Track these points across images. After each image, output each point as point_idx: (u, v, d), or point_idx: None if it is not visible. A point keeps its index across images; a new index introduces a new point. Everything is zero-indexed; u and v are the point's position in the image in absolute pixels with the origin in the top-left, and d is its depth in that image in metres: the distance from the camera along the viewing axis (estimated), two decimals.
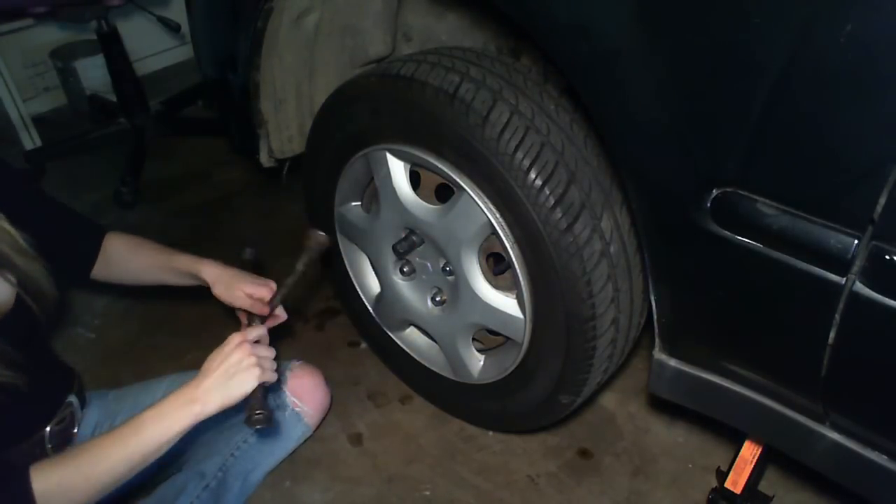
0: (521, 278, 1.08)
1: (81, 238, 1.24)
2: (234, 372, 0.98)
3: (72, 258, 1.23)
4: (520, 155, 0.99)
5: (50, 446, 1.14)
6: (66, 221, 1.24)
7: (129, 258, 1.28)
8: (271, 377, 1.03)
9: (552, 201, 0.99)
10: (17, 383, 0.98)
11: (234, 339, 1.01)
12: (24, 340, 1.04)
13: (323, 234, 1.23)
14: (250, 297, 1.19)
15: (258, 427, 0.99)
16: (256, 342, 1.03)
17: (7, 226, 1.04)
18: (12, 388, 0.98)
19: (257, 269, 1.27)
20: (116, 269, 1.27)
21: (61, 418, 1.15)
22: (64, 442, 1.17)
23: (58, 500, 0.90)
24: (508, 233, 1.06)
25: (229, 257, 1.29)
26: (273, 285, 1.21)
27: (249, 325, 1.17)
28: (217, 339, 1.01)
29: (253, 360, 0.99)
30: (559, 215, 0.99)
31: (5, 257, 1.04)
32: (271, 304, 1.19)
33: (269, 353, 1.04)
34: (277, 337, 1.20)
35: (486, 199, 1.06)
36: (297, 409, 1.34)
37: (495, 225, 1.07)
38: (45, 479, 0.89)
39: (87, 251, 1.24)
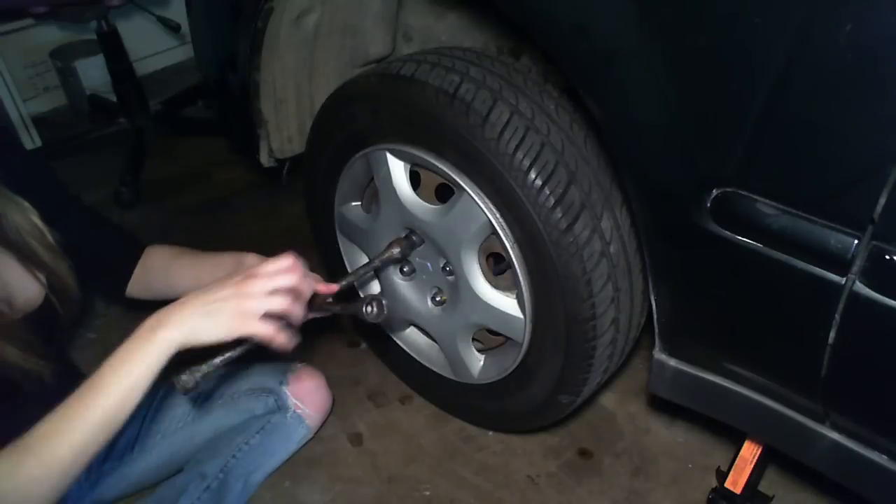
0: (521, 278, 1.08)
1: (117, 251, 1.19)
2: (217, 309, 0.82)
3: (106, 273, 1.19)
4: (520, 155, 0.99)
5: None
6: (101, 233, 1.20)
7: (169, 272, 1.20)
8: (280, 341, 0.86)
9: (552, 201, 0.99)
10: (42, 372, 0.96)
11: (248, 267, 0.85)
12: (46, 340, 1.03)
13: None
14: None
15: (179, 381, 0.88)
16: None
17: (37, 220, 1.03)
18: (37, 378, 0.96)
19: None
20: (157, 285, 1.20)
21: None
22: None
23: (15, 496, 0.76)
24: (508, 233, 1.06)
25: None
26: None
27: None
28: None
29: (256, 304, 0.83)
30: (559, 215, 0.99)
31: (34, 254, 1.03)
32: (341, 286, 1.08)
33: (298, 312, 0.88)
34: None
35: (486, 199, 1.06)
36: (298, 411, 1.34)
37: (495, 225, 1.07)
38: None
39: (122, 266, 1.19)
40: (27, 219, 1.02)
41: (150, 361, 0.80)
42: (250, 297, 0.84)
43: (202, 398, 1.33)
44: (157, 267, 1.20)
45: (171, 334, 0.81)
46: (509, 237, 1.06)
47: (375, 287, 1.44)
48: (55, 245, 1.05)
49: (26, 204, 1.02)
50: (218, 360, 0.95)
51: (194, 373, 0.91)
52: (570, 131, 1.04)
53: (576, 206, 1.00)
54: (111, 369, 0.80)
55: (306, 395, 1.35)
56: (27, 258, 1.03)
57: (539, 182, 0.99)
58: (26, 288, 1.04)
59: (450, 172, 1.09)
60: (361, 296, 0.91)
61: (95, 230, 1.20)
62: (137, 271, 1.21)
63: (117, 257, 1.20)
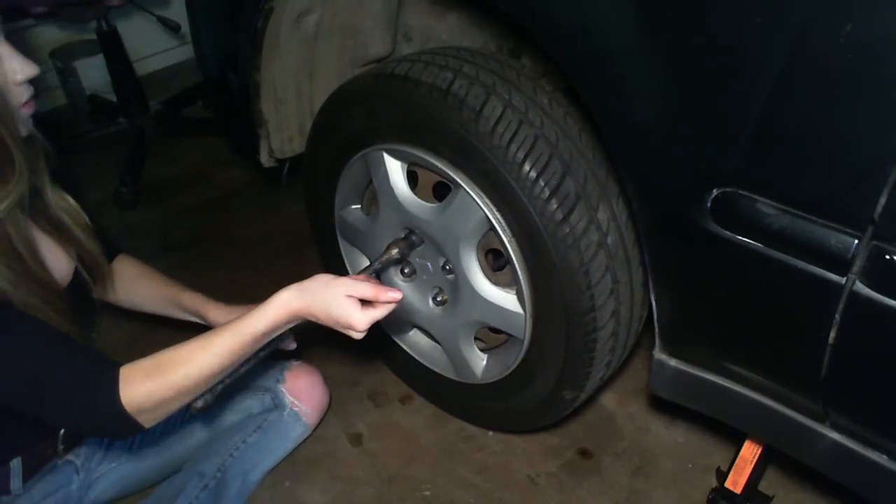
0: (519, 273, 1.08)
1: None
2: (335, 327, 0.96)
3: None
4: (514, 148, 0.99)
5: (62, 446, 1.15)
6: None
7: (135, 285, 1.29)
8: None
9: (547, 193, 0.99)
10: (77, 338, 0.99)
11: (359, 324, 0.93)
12: (77, 315, 1.05)
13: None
14: None
15: (196, 408, 0.99)
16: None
17: (72, 201, 1.10)
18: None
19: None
20: (121, 293, 1.28)
21: None
22: (74, 443, 1.18)
23: (148, 408, 0.91)
24: (505, 227, 1.07)
25: (230, 257, 1.29)
26: None
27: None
28: None
29: (365, 320, 0.93)
30: (554, 207, 0.99)
31: (69, 231, 1.09)
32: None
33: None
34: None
35: (483, 195, 1.07)
36: (295, 408, 1.34)
37: (492, 220, 1.07)
38: (135, 390, 0.90)
39: None
40: (63, 198, 1.09)
41: (276, 326, 0.94)
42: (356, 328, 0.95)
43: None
44: (124, 277, 1.28)
45: (297, 315, 0.95)
46: (506, 231, 1.07)
47: None
48: (90, 226, 1.13)
49: (59, 186, 1.09)
50: (226, 378, 0.98)
51: (212, 391, 0.97)
52: (564, 124, 1.04)
53: (571, 198, 1.00)
54: (245, 320, 0.93)
55: (303, 393, 1.35)
56: (63, 235, 1.08)
57: (534, 174, 0.99)
58: (60, 264, 1.07)
59: (446, 169, 1.09)
60: None
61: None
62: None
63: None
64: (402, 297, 0.96)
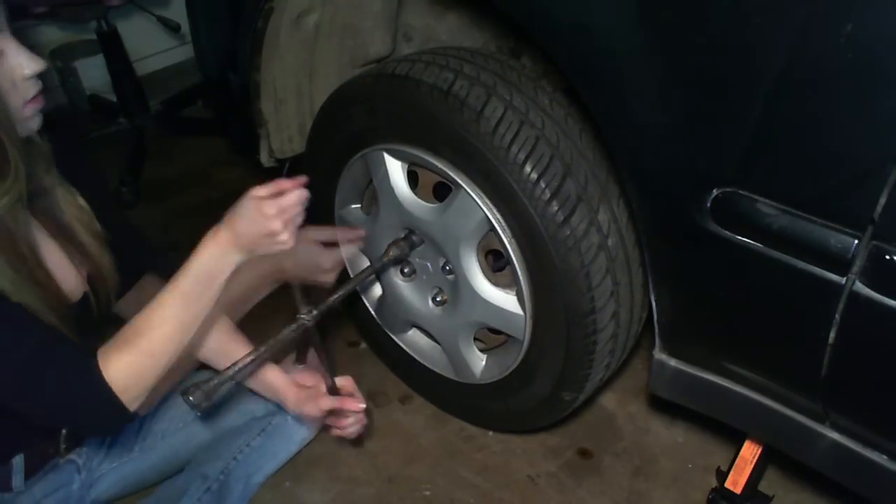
0: (519, 274, 1.08)
1: (129, 265, 1.15)
2: (265, 243, 0.96)
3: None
4: (515, 149, 0.99)
5: (64, 446, 1.15)
6: (124, 237, 1.17)
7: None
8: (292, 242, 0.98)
9: (548, 194, 0.99)
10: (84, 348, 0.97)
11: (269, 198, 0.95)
12: (79, 331, 1.02)
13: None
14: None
15: (189, 402, 0.98)
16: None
17: (84, 204, 1.06)
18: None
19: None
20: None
21: None
22: (76, 443, 1.18)
23: (135, 384, 0.91)
24: (506, 228, 1.07)
25: None
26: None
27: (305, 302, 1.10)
28: None
29: (283, 223, 0.95)
30: (555, 208, 0.99)
31: (78, 240, 1.05)
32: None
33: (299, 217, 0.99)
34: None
35: (483, 195, 1.07)
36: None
37: (493, 220, 1.07)
38: (115, 366, 0.90)
39: (123, 283, 1.16)
40: (75, 202, 1.06)
41: (211, 259, 0.96)
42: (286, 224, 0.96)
43: None
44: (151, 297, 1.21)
45: (228, 243, 0.96)
46: (507, 232, 1.07)
47: (376, 291, 1.45)
48: (101, 233, 1.08)
49: (74, 189, 1.06)
50: (228, 372, 0.97)
51: (205, 388, 0.97)
52: (565, 125, 1.04)
53: (572, 199, 1.00)
54: (191, 275, 0.94)
55: None
56: (71, 244, 1.05)
57: (534, 175, 0.99)
58: (66, 279, 1.04)
59: (446, 170, 1.09)
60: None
61: (121, 232, 1.17)
62: (131, 294, 1.20)
63: (126, 270, 1.15)
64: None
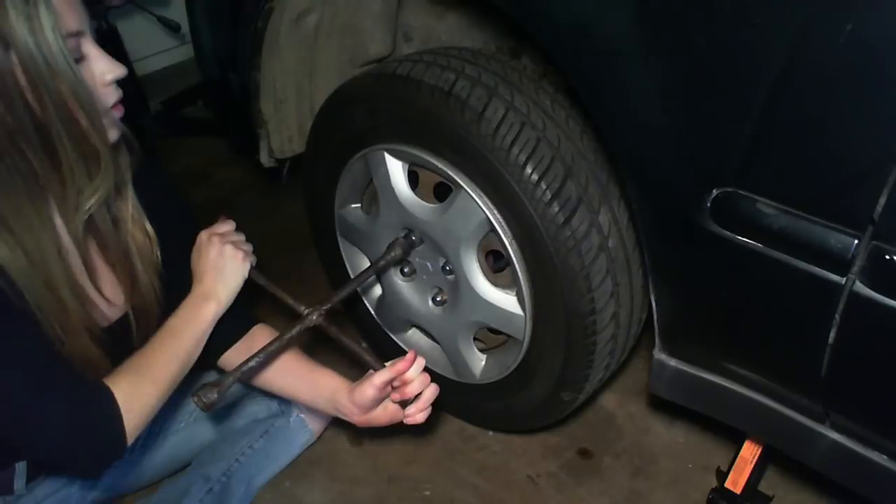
0: (520, 275, 1.08)
1: (231, 316, 1.10)
2: (221, 265, 1.05)
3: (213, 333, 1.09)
4: (515, 150, 0.99)
5: None
6: (180, 279, 1.11)
7: (273, 364, 1.15)
8: (252, 259, 1.11)
9: (549, 196, 0.99)
10: (99, 375, 0.95)
11: (202, 237, 1.08)
12: (109, 353, 1.00)
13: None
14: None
15: (201, 402, 0.98)
16: (225, 237, 1.09)
17: (151, 232, 1.04)
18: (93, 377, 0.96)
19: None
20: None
21: None
22: None
23: (137, 407, 0.93)
24: (506, 229, 1.07)
25: None
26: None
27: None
28: None
29: (229, 248, 1.06)
30: (556, 210, 0.99)
31: (133, 268, 1.03)
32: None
33: (240, 237, 1.12)
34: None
35: (484, 196, 1.07)
36: (301, 415, 1.34)
37: (493, 221, 1.07)
38: (122, 389, 0.91)
39: (230, 333, 1.15)
40: (142, 229, 1.03)
41: (210, 321, 1.04)
42: (222, 245, 1.08)
43: None
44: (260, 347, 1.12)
45: (221, 303, 1.06)
46: (507, 233, 1.07)
47: (376, 291, 1.44)
48: (157, 264, 1.06)
49: (146, 218, 1.04)
50: (235, 372, 0.97)
51: (213, 389, 0.96)
52: (567, 126, 1.04)
53: (573, 201, 1.00)
54: (184, 323, 1.02)
55: None
56: (124, 270, 1.02)
57: (535, 177, 0.99)
58: (109, 298, 1.02)
59: (447, 170, 1.09)
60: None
61: (185, 282, 1.11)
62: (240, 345, 1.16)
63: (231, 322, 1.11)
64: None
